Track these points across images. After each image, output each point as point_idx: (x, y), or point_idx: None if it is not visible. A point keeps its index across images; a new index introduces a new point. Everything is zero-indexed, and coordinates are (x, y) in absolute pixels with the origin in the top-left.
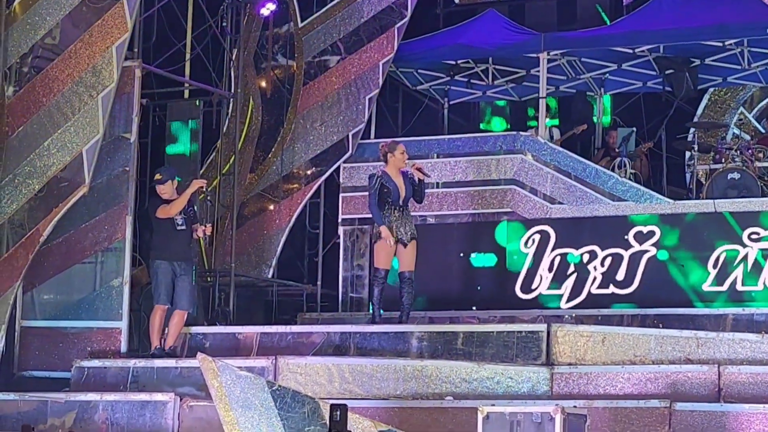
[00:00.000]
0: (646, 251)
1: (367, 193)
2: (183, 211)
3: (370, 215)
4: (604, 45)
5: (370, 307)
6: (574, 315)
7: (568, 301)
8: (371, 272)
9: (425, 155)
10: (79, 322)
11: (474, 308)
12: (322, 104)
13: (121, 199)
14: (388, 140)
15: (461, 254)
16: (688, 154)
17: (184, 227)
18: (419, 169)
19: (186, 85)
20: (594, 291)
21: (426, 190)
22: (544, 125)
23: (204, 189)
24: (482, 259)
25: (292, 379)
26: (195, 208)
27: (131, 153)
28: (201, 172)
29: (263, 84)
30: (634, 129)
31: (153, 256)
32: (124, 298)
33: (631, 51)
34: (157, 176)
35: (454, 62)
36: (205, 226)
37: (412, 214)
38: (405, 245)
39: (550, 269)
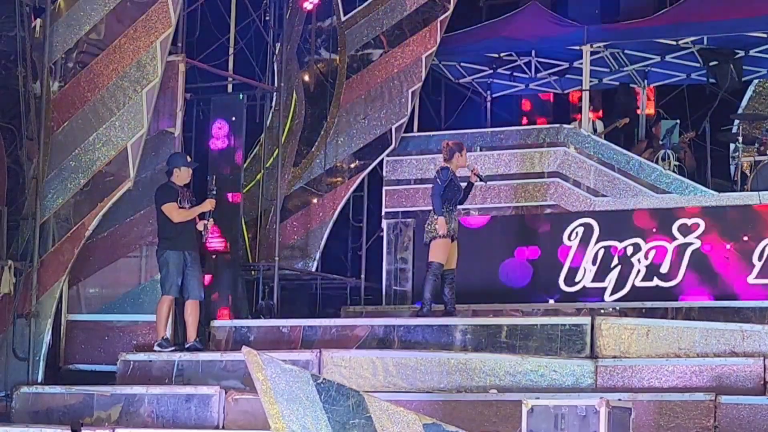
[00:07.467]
0: (691, 243)
1: (412, 186)
2: (188, 200)
3: (413, 209)
4: (648, 37)
5: (422, 303)
6: (618, 308)
7: (611, 293)
8: (428, 266)
9: (468, 148)
10: (125, 316)
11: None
12: (365, 98)
13: None
14: (450, 140)
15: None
16: (732, 146)
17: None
18: (477, 175)
19: (229, 79)
20: (638, 284)
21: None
22: (587, 118)
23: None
24: (526, 252)
25: (336, 372)
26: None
27: (175, 147)
28: (245, 165)
29: (306, 78)
30: (678, 121)
31: (164, 246)
32: None
33: (674, 43)
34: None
35: (496, 55)
36: (207, 221)
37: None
38: (453, 240)
39: (593, 262)
